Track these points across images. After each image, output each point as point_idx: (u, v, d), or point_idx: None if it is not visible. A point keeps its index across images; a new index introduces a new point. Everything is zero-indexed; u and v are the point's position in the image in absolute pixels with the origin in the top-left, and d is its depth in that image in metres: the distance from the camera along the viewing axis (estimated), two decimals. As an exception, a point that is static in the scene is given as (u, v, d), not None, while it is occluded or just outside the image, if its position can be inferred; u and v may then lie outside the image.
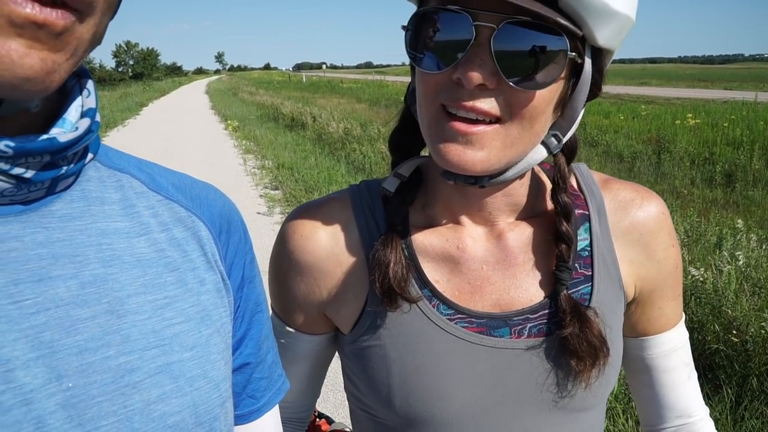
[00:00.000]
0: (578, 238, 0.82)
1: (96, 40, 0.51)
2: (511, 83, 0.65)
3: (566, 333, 0.76)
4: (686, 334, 0.90)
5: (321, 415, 1.08)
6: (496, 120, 0.68)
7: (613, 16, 0.66)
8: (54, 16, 0.43)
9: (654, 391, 0.89)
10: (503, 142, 0.69)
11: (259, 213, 7.56)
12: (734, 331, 3.24)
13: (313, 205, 0.87)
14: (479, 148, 0.68)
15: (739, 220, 5.02)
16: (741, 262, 3.78)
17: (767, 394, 3.05)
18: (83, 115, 0.55)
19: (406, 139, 0.84)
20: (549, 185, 0.84)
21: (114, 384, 0.52)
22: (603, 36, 0.68)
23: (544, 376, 0.78)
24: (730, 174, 9.55)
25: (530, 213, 0.83)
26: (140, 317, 0.56)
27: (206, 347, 0.61)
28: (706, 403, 3.13)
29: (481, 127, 0.67)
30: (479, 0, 0.64)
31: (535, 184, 0.84)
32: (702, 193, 8.69)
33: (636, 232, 0.83)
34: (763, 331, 3.13)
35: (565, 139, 0.77)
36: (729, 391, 3.10)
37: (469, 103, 0.66)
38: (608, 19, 0.66)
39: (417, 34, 0.68)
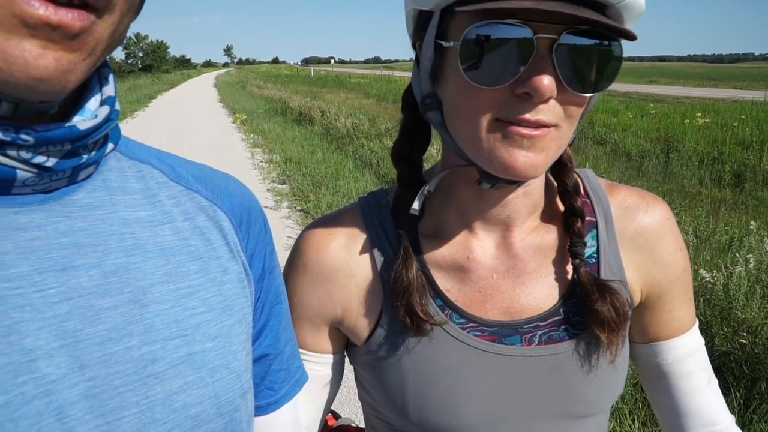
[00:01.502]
0: (586, 244, 0.82)
1: (116, 39, 0.51)
2: (574, 92, 0.66)
3: (597, 307, 0.76)
4: (701, 339, 0.89)
5: (336, 415, 1.07)
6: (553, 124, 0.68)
7: (641, 14, 0.70)
8: (70, 17, 0.43)
9: (673, 399, 0.87)
10: (558, 144, 0.70)
11: (266, 207, 7.56)
12: (744, 334, 3.22)
13: (325, 219, 0.87)
14: (540, 150, 0.67)
15: (752, 222, 4.99)
16: (752, 265, 3.76)
17: (776, 397, 3.03)
18: (102, 103, 0.55)
19: (410, 149, 0.83)
20: (554, 183, 0.85)
21: (136, 374, 0.52)
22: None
23: (554, 384, 0.79)
24: (740, 174, 9.50)
25: (543, 212, 0.84)
26: (163, 306, 0.56)
27: (228, 337, 0.61)
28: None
29: (542, 130, 0.67)
30: (534, 12, 0.63)
31: (546, 182, 0.85)
32: (711, 193, 8.66)
33: (642, 237, 0.83)
34: (773, 334, 3.11)
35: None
36: (737, 394, 3.08)
37: (533, 117, 0.65)
38: (638, 17, 0.70)
39: (472, 47, 0.66)
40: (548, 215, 0.84)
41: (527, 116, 0.65)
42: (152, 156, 0.66)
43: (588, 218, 0.83)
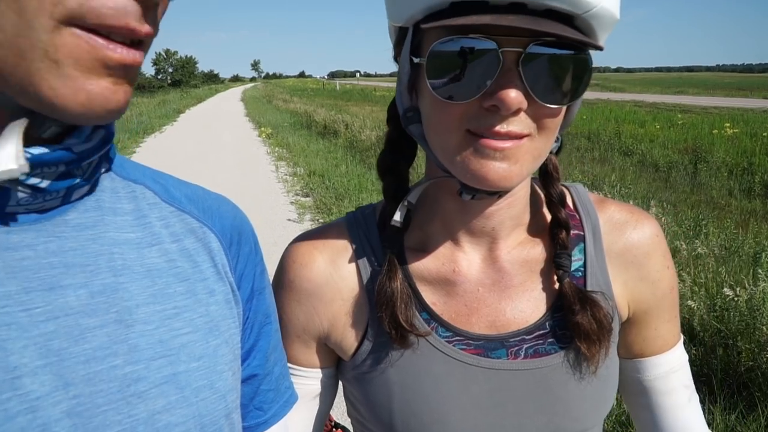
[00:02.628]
0: (572, 258, 0.82)
1: None
2: (543, 103, 0.66)
3: (578, 320, 0.76)
4: (685, 356, 0.89)
5: (337, 425, 1.07)
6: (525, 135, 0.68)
7: (615, 23, 0.69)
8: (133, 55, 0.49)
9: (654, 414, 0.87)
10: (533, 155, 0.69)
11: (289, 220, 7.61)
12: (770, 348, 3.15)
13: (310, 234, 0.88)
14: (514, 162, 0.67)
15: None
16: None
17: (804, 414, 2.95)
18: (98, 126, 0.56)
19: (395, 161, 0.84)
20: (541, 194, 0.85)
21: (120, 393, 0.53)
22: (603, 41, 0.71)
23: (541, 398, 0.78)
24: (770, 185, 9.32)
25: (530, 225, 0.84)
26: (148, 327, 0.57)
27: (213, 358, 0.61)
28: (741, 422, 3.04)
29: (513, 142, 0.67)
30: (500, 26, 0.63)
31: (532, 194, 0.85)
32: (740, 204, 8.50)
33: (630, 253, 0.83)
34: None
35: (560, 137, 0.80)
36: (764, 409, 3.01)
37: (503, 129, 0.66)
38: (612, 26, 0.69)
39: (437, 63, 0.67)
40: (536, 228, 0.84)
41: (497, 128, 0.65)
42: (146, 176, 0.67)
43: (576, 232, 0.83)
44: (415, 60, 0.70)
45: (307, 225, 7.34)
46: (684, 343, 0.90)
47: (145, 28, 0.49)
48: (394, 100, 0.83)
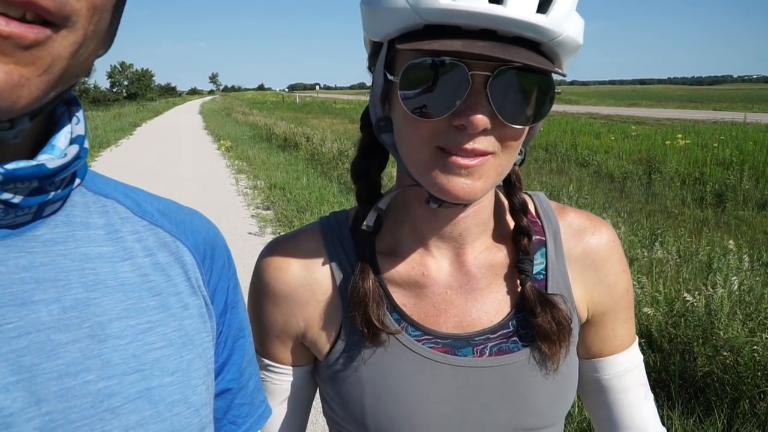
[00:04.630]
0: (534, 262, 0.86)
1: (81, 63, 0.50)
2: (508, 123, 0.70)
3: (539, 321, 0.81)
4: (640, 356, 0.94)
5: None
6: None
7: (578, 48, 0.74)
8: (23, 29, 0.42)
9: (611, 412, 0.93)
10: (496, 171, 0.74)
11: (250, 233, 7.55)
12: (725, 353, 3.24)
13: (285, 239, 0.91)
14: (478, 178, 0.71)
15: (731, 241, 5.04)
16: (735, 287, 3.79)
17: (759, 417, 3.04)
18: (72, 141, 0.55)
19: (368, 167, 0.87)
20: (506, 202, 0.90)
21: (93, 409, 0.52)
22: (567, 64, 0.75)
23: (505, 394, 0.82)
24: (721, 194, 9.63)
25: (495, 231, 0.88)
26: (121, 342, 0.56)
27: (187, 372, 0.61)
28: (698, 426, 3.11)
29: (479, 159, 0.71)
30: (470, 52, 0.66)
31: (496, 201, 0.89)
32: (693, 213, 8.75)
33: (588, 258, 0.88)
34: (755, 354, 3.13)
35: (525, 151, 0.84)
36: (720, 414, 3.09)
37: (470, 146, 0.69)
38: (575, 51, 0.74)
39: (410, 82, 0.70)
40: (500, 234, 0.88)
41: (465, 146, 0.69)
42: (118, 191, 0.66)
43: (538, 237, 0.88)
44: (390, 77, 0.74)
45: (269, 238, 7.28)
46: (642, 350, 0.95)
47: (45, 1, 0.42)
48: (367, 108, 0.86)
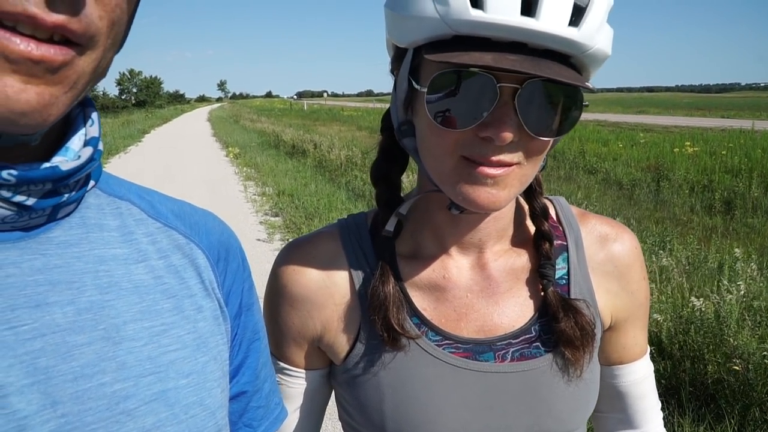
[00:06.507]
0: (556, 267, 0.86)
1: (99, 73, 0.51)
2: (535, 136, 0.69)
3: (562, 327, 0.80)
4: (652, 365, 0.96)
5: None
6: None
7: (606, 59, 0.73)
8: (52, 52, 0.44)
9: (627, 416, 0.95)
10: (520, 181, 0.74)
11: (259, 240, 7.56)
12: (736, 360, 3.21)
13: (303, 240, 0.90)
14: (503, 188, 0.71)
15: (737, 249, 5.01)
16: (742, 292, 3.77)
17: (770, 424, 3.01)
18: (86, 143, 0.56)
19: (388, 170, 0.87)
20: (526, 206, 0.90)
21: (109, 411, 0.52)
22: (595, 74, 0.75)
23: (527, 399, 0.81)
24: (729, 201, 9.57)
25: (515, 236, 0.88)
26: (136, 344, 0.56)
27: (202, 374, 0.61)
28: (709, 433, 3.07)
29: (504, 170, 0.71)
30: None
31: (517, 206, 0.89)
32: (701, 220, 8.70)
33: (611, 264, 0.88)
34: (766, 360, 3.11)
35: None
36: (731, 421, 3.07)
37: (496, 158, 0.69)
38: (603, 62, 0.73)
39: (437, 92, 0.69)
40: (520, 239, 0.88)
41: (491, 157, 0.69)
42: (132, 192, 0.66)
43: (559, 242, 0.88)
44: (415, 85, 0.74)
45: (278, 245, 7.29)
46: (653, 357, 0.95)
47: (53, 18, 0.43)
48: (389, 110, 0.85)
